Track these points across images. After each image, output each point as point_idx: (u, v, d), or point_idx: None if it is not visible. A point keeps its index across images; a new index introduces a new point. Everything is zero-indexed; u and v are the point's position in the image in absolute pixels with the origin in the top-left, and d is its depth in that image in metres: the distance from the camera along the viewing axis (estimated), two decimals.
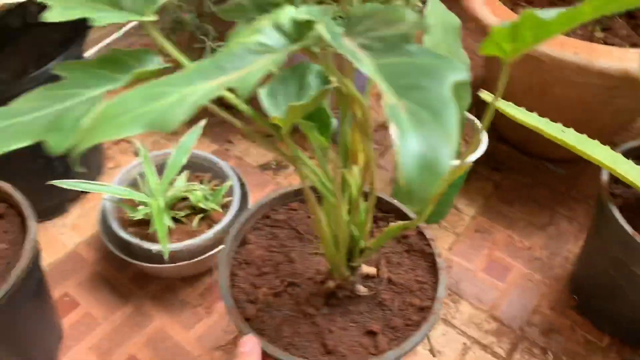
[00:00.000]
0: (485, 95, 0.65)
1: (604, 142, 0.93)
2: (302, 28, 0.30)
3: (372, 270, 0.61)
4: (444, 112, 0.23)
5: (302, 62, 0.40)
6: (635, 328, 0.77)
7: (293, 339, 0.55)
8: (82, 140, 0.25)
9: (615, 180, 0.76)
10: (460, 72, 0.25)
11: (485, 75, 1.12)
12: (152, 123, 0.26)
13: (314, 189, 0.49)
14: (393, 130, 0.22)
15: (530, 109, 0.96)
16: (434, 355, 0.78)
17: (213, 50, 1.00)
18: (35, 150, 0.86)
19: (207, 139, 1.12)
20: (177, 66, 0.34)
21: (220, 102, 0.37)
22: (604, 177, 0.74)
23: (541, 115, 0.95)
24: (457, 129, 0.22)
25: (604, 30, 0.97)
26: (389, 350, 0.54)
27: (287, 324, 0.57)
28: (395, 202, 0.67)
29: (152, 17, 0.34)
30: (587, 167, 1.04)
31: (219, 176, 0.90)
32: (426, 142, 0.22)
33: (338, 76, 0.32)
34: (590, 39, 0.95)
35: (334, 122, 0.42)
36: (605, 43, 0.93)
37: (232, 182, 0.87)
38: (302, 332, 0.56)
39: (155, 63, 0.34)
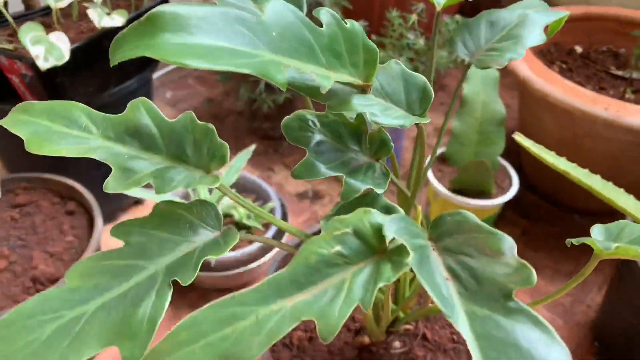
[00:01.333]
0: (518, 137, 0.70)
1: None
2: (383, 238, 0.28)
3: (409, 326, 0.63)
4: None
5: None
6: None
7: None
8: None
9: None
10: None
11: (519, 127, 1.18)
12: (226, 354, 0.25)
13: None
14: None
15: None
16: None
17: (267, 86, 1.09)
18: (99, 161, 0.95)
19: (250, 166, 1.20)
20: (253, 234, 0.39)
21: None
22: None
23: None
24: None
25: (634, 92, 1.02)
26: None
27: None
28: None
29: (217, 183, 0.34)
30: (613, 220, 1.07)
31: (262, 198, 0.97)
32: None
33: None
34: (622, 98, 1.00)
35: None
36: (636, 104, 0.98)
37: (274, 203, 0.93)
38: None
39: (215, 223, 0.35)
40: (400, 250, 0.29)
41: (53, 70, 0.70)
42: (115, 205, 1.03)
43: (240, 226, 0.91)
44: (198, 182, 0.34)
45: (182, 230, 0.35)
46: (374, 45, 0.36)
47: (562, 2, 1.58)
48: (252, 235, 0.77)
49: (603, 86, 1.06)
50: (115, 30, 0.76)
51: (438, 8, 0.45)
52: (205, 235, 0.37)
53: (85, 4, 0.82)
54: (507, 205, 1.13)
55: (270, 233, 0.89)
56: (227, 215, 0.92)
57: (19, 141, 0.88)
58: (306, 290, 0.26)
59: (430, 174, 0.92)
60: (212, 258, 0.77)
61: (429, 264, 0.26)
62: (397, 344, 0.59)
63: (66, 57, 0.67)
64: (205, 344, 0.24)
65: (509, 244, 0.26)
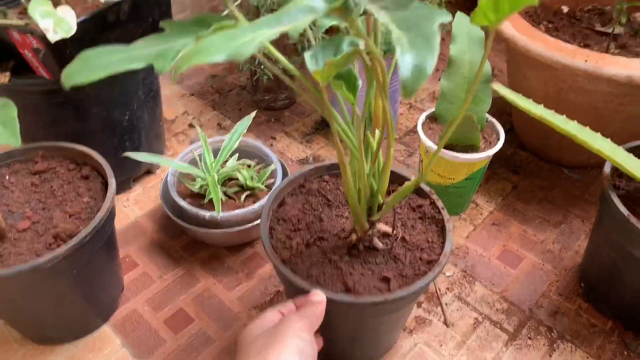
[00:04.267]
0: (496, 86, 0.75)
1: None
2: None
3: (388, 228, 0.71)
4: (431, 38, 0.34)
5: (339, 35, 0.52)
6: (636, 313, 0.84)
7: (319, 278, 0.66)
8: (182, 63, 0.38)
9: (619, 174, 0.84)
10: (446, 16, 0.36)
11: (509, 88, 1.22)
12: (231, 53, 0.38)
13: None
14: (397, 51, 0.34)
15: None
16: (447, 326, 0.86)
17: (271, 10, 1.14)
18: (112, 129, 1.02)
19: (253, 134, 1.26)
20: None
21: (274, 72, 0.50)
22: (606, 169, 0.82)
23: None
24: (438, 48, 0.33)
25: (618, 47, 1.06)
26: (399, 289, 0.64)
27: (315, 267, 0.67)
28: (412, 177, 0.77)
29: None
30: (601, 173, 1.11)
31: (265, 162, 1.03)
32: (418, 56, 0.33)
33: (364, 37, 0.44)
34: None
35: (360, 83, 0.54)
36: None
37: (276, 166, 0.99)
38: (327, 274, 0.67)
39: (231, 23, 0.47)
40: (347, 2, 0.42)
41: (62, 43, 0.75)
42: (126, 175, 1.09)
43: (245, 188, 0.97)
44: None
45: (207, 26, 0.47)
46: None
47: None
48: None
49: (588, 43, 1.10)
50: (117, 5, 0.82)
51: None
52: None
53: None
54: (499, 162, 1.18)
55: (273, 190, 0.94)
56: (232, 178, 0.98)
57: (36, 115, 0.94)
58: (285, 24, 0.38)
59: (420, 132, 0.97)
60: (214, 214, 0.83)
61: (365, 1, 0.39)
62: (380, 244, 0.69)
63: (74, 29, 0.73)
64: (217, 48, 0.37)
65: None
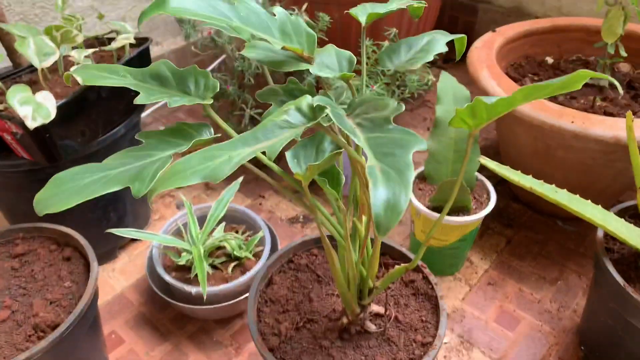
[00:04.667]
0: (484, 160, 0.74)
1: (609, 202, 1.00)
2: (316, 111, 0.41)
3: (380, 309, 0.69)
4: (405, 172, 0.33)
5: (319, 132, 0.51)
6: None
7: None
8: (157, 186, 0.36)
9: (612, 236, 0.83)
10: (421, 144, 0.35)
11: (499, 140, 1.22)
12: (207, 176, 0.37)
13: (330, 237, 0.59)
14: (370, 184, 0.33)
15: (538, 171, 1.05)
16: None
17: (251, 117, 1.14)
18: (95, 203, 1.00)
19: (242, 194, 1.24)
20: (225, 135, 0.46)
21: (257, 163, 0.49)
22: (599, 234, 0.81)
23: (548, 176, 1.03)
24: (411, 184, 0.32)
25: (604, 100, 1.06)
26: None
27: (305, 355, 0.65)
28: (404, 250, 0.75)
29: (210, 101, 0.46)
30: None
31: (253, 228, 1.01)
32: (391, 191, 0.32)
33: (342, 143, 0.43)
34: (592, 107, 1.04)
35: (344, 178, 0.52)
36: (605, 112, 1.02)
37: (264, 233, 0.97)
38: None
39: (209, 134, 0.46)
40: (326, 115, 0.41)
41: (42, 127, 0.74)
42: (112, 244, 1.06)
43: (233, 257, 0.95)
44: (195, 102, 0.48)
45: (186, 138, 0.48)
46: (313, 32, 0.50)
47: (534, 13, 1.63)
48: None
49: (574, 95, 1.10)
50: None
51: (363, 25, 0.56)
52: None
53: (71, 58, 0.86)
54: (492, 216, 1.17)
55: (261, 263, 0.92)
56: (219, 248, 0.96)
57: (18, 192, 0.92)
58: (263, 142, 0.38)
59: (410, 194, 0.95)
60: (200, 290, 0.80)
61: (342, 119, 0.38)
62: (372, 326, 0.67)
63: (52, 114, 0.72)
64: (193, 170, 0.37)
65: (392, 102, 0.39)
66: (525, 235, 1.12)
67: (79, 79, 0.45)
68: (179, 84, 0.48)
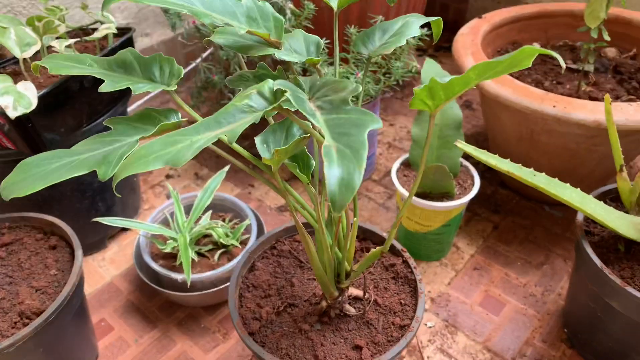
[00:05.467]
0: (460, 145, 0.74)
1: (594, 187, 1.00)
2: (277, 95, 0.41)
3: (359, 292, 0.70)
4: (360, 150, 0.33)
5: (288, 118, 0.51)
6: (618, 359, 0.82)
7: (289, 350, 0.65)
8: (121, 171, 0.37)
9: (592, 220, 0.84)
10: (377, 123, 0.35)
11: (485, 125, 1.22)
12: (169, 160, 0.37)
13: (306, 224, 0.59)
14: (325, 162, 0.33)
15: (524, 157, 1.05)
16: None
17: None
18: (82, 192, 1.00)
19: (231, 183, 1.25)
20: (192, 120, 0.47)
21: (231, 150, 0.49)
22: (579, 217, 0.81)
23: (534, 162, 1.04)
24: (365, 161, 0.33)
25: (589, 84, 1.06)
26: (371, 359, 0.62)
27: (285, 338, 0.66)
28: (386, 235, 0.76)
29: (174, 87, 0.47)
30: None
31: (239, 216, 1.01)
32: (345, 169, 0.32)
33: (306, 126, 0.44)
34: (577, 92, 1.04)
35: (313, 162, 0.53)
36: (590, 97, 1.02)
37: (250, 221, 0.98)
38: (297, 345, 0.65)
39: (176, 118, 0.47)
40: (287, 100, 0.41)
41: (25, 117, 0.74)
42: (101, 234, 1.07)
43: (219, 245, 0.95)
44: (159, 88, 0.49)
45: (153, 122, 0.48)
46: (280, 17, 0.50)
47: (525, 0, 1.62)
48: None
49: (560, 80, 1.10)
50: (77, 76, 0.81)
51: (335, 10, 0.56)
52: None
53: (53, 48, 0.87)
54: (480, 202, 1.17)
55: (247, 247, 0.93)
56: (206, 236, 0.97)
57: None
58: (225, 126, 0.38)
59: (394, 179, 0.96)
60: (185, 278, 0.81)
61: (303, 102, 0.38)
62: (351, 309, 0.68)
63: (34, 104, 0.72)
64: (156, 156, 0.37)
65: (351, 84, 0.39)
66: (512, 220, 1.13)
67: (48, 69, 0.45)
68: (144, 71, 0.49)
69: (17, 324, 0.71)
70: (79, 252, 0.77)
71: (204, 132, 0.39)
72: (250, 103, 0.41)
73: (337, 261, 0.64)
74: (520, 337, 0.90)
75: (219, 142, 1.30)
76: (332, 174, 0.32)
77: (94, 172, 0.97)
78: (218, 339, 0.92)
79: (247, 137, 1.32)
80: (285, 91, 0.39)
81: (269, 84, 0.41)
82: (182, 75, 0.48)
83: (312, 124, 0.46)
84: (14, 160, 0.86)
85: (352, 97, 0.41)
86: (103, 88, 0.45)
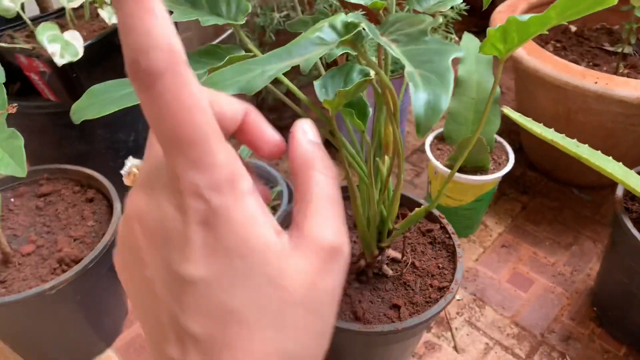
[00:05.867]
0: (507, 110, 0.74)
1: (630, 168, 0.99)
2: (349, 28, 0.41)
3: (397, 254, 0.70)
4: (446, 74, 0.33)
5: (348, 63, 0.51)
6: None
7: None
8: None
9: (631, 197, 0.83)
10: (459, 52, 0.35)
11: (516, 107, 1.21)
12: (243, 87, 0.37)
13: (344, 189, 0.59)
14: (411, 88, 0.33)
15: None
16: (457, 352, 0.85)
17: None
18: (117, 150, 1.01)
19: None
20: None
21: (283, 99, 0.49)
22: (619, 192, 0.81)
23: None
24: (452, 85, 0.32)
25: (627, 67, 1.05)
26: (410, 318, 0.62)
27: None
28: (422, 202, 0.76)
29: (242, 21, 0.47)
30: (612, 194, 1.10)
31: (271, 182, 1.02)
32: (432, 93, 0.32)
33: (374, 67, 0.43)
34: (615, 74, 1.03)
35: (370, 111, 0.53)
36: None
37: (282, 187, 0.98)
38: None
39: (241, 54, 0.47)
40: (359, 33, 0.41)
41: (69, 67, 0.75)
42: None
43: None
44: (226, 22, 0.49)
45: (219, 58, 0.47)
46: None
47: None
48: None
49: (597, 63, 1.09)
50: None
51: None
52: None
53: (96, 5, 0.87)
54: (508, 183, 1.17)
55: (277, 216, 0.93)
56: None
57: (42, 135, 0.94)
58: (296, 57, 0.38)
59: (429, 153, 0.96)
60: None
61: (377, 34, 0.38)
62: (389, 270, 0.68)
63: (80, 53, 0.73)
64: (231, 82, 0.37)
65: (428, 17, 0.38)
66: (541, 202, 1.12)
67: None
68: (212, 6, 0.48)
69: (56, 270, 0.72)
70: (117, 204, 0.78)
71: (275, 62, 0.39)
72: (321, 35, 0.40)
73: (381, 218, 0.64)
74: (548, 314, 0.90)
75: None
76: (419, 97, 0.32)
77: (129, 130, 0.98)
78: None
79: (275, 110, 1.32)
80: (359, 23, 0.39)
81: (342, 17, 0.41)
82: (250, 10, 0.47)
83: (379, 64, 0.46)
84: (53, 112, 0.86)
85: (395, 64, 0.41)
86: (175, 18, 0.45)
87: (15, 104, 0.48)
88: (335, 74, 0.51)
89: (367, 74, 0.49)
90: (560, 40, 1.16)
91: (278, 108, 1.32)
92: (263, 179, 1.04)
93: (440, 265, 0.70)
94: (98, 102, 0.43)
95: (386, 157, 0.61)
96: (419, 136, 0.33)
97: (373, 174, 0.58)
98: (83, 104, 0.43)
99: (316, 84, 0.51)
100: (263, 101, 1.30)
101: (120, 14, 0.17)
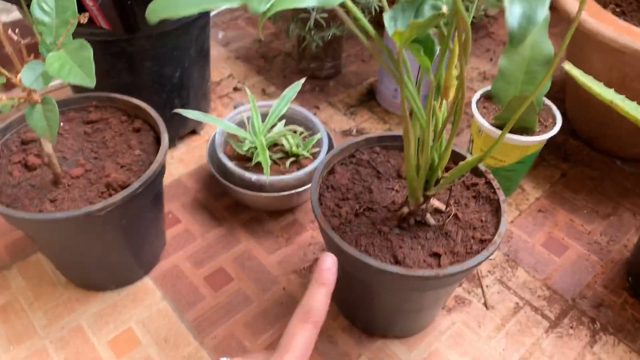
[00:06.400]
0: (568, 66, 0.72)
1: None
2: None
3: (441, 205, 0.70)
4: None
5: None
6: None
7: (368, 248, 0.65)
8: (277, 5, 0.37)
9: None
10: None
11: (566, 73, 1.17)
12: (319, 1, 0.37)
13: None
14: (506, 2, 0.33)
15: (606, 104, 1.01)
16: (487, 308, 0.85)
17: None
18: (162, 85, 1.02)
19: (297, 102, 1.25)
20: None
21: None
22: None
23: (618, 108, 1.00)
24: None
25: None
26: (450, 266, 0.63)
27: (364, 237, 0.67)
28: (469, 156, 0.75)
29: None
30: None
31: (311, 129, 1.02)
32: (528, 5, 0.32)
33: None
34: None
35: (437, 49, 0.52)
36: None
37: (322, 135, 0.98)
38: (376, 244, 0.66)
39: None
40: None
41: None
42: (172, 132, 1.09)
43: (290, 154, 0.96)
44: None
45: None
46: None
47: None
48: None
49: None
50: None
51: None
52: None
53: None
54: (549, 149, 1.15)
55: (316, 162, 0.94)
56: (276, 145, 0.97)
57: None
58: None
59: (475, 110, 0.94)
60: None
61: None
62: (431, 220, 0.68)
63: None
64: None
65: None
66: (582, 170, 1.11)
67: None
68: None
69: (103, 194, 0.74)
70: (164, 135, 0.79)
71: None
72: None
73: (431, 166, 0.63)
74: (581, 280, 0.90)
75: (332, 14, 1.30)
76: (514, 10, 0.32)
77: (175, 66, 0.97)
78: (281, 243, 0.94)
79: (316, 58, 1.30)
80: None
81: None
82: None
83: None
84: (104, 41, 0.87)
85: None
86: None
87: (87, 14, 0.49)
88: (407, 7, 0.50)
89: (440, 8, 0.48)
90: (620, 5, 1.11)
91: (319, 57, 1.30)
92: (303, 125, 1.03)
93: (483, 219, 0.70)
94: (177, 2, 0.42)
95: (443, 102, 0.60)
96: (512, 47, 0.33)
97: (430, 117, 0.58)
98: (160, 4, 0.42)
99: (386, 16, 0.50)
100: (305, 49, 1.28)
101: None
